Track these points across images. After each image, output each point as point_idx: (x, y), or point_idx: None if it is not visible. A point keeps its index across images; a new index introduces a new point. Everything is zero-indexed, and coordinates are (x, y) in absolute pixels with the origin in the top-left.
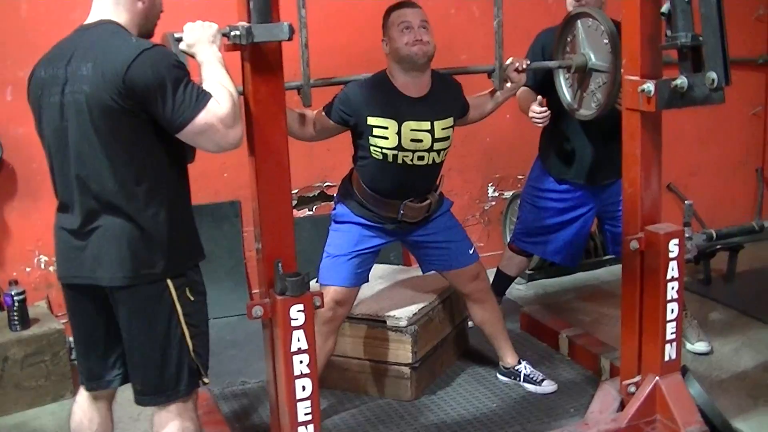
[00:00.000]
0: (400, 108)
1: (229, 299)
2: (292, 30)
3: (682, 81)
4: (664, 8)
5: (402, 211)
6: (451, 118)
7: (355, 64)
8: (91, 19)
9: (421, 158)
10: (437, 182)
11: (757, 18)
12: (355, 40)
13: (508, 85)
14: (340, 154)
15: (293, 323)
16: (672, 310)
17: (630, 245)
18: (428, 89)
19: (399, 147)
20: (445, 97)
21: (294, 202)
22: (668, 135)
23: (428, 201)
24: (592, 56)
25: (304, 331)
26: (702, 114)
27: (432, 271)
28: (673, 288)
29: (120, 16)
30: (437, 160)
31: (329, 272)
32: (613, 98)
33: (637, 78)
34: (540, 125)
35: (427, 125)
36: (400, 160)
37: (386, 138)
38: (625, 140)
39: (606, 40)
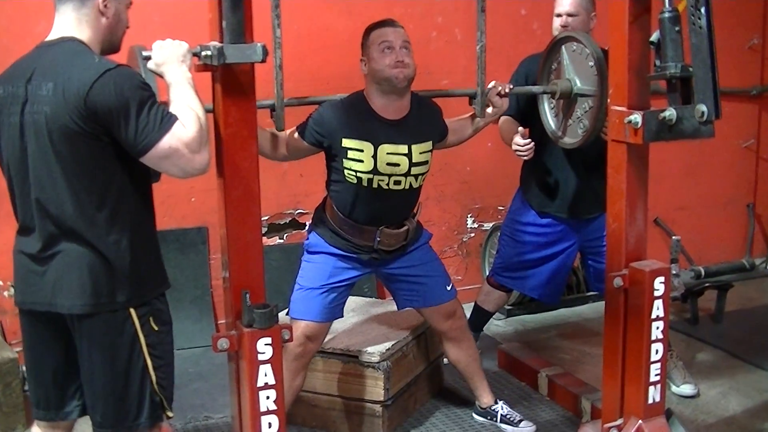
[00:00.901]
0: (376, 130)
1: (194, 329)
2: (265, 51)
3: (670, 113)
4: (653, 37)
5: (378, 239)
6: (430, 143)
7: (330, 86)
8: (53, 35)
9: (397, 183)
10: (415, 209)
11: (750, 47)
12: (330, 62)
13: (490, 110)
14: (313, 180)
15: (260, 357)
16: (656, 350)
17: (613, 282)
18: (407, 112)
19: (374, 171)
20: (423, 121)
21: (264, 230)
22: (655, 167)
23: (406, 227)
24: (578, 81)
25: (272, 366)
26: (691, 146)
27: (406, 308)
28: (658, 327)
29: (83, 32)
30: (415, 185)
31: (301, 306)
32: (601, 123)
33: (623, 108)
34: (524, 158)
35: (404, 149)
36: (375, 185)
37: (361, 161)
38: (610, 173)
39: (591, 64)
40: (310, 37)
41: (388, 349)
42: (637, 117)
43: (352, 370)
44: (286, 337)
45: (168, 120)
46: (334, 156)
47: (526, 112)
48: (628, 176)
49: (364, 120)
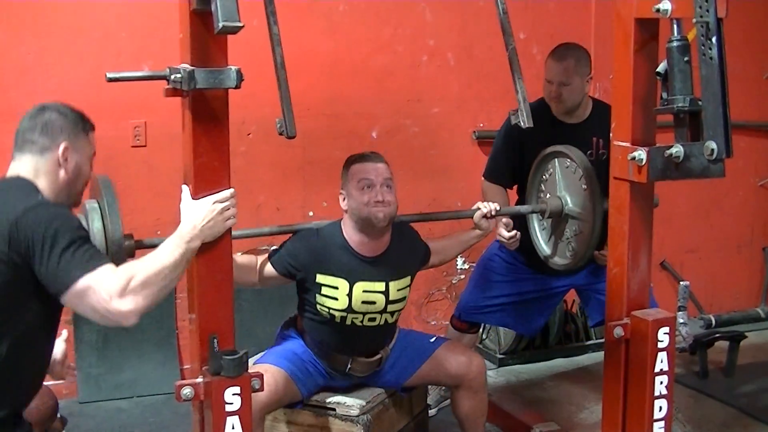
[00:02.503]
0: (352, 267)
1: (156, 375)
2: (240, 76)
3: (677, 150)
4: (660, 67)
5: (350, 365)
6: (409, 278)
7: (313, 113)
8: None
9: (372, 320)
10: (392, 340)
11: (767, 78)
12: (314, 87)
13: (475, 232)
14: (290, 214)
15: (228, 408)
16: (660, 407)
17: (614, 332)
18: (386, 247)
19: (349, 309)
20: (404, 255)
21: None
22: (662, 207)
23: (379, 356)
24: (569, 200)
25: (240, 418)
26: (702, 184)
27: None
28: (662, 383)
29: (39, 181)
30: (390, 321)
31: (268, 359)
32: (591, 250)
33: (627, 144)
34: (512, 248)
35: (381, 286)
36: (348, 322)
37: (335, 299)
38: (612, 213)
39: (584, 185)
40: (291, 60)
41: (369, 401)
42: (641, 153)
43: (327, 424)
44: (257, 387)
45: (97, 261)
46: (307, 290)
47: (515, 170)
48: (632, 217)
49: (340, 256)
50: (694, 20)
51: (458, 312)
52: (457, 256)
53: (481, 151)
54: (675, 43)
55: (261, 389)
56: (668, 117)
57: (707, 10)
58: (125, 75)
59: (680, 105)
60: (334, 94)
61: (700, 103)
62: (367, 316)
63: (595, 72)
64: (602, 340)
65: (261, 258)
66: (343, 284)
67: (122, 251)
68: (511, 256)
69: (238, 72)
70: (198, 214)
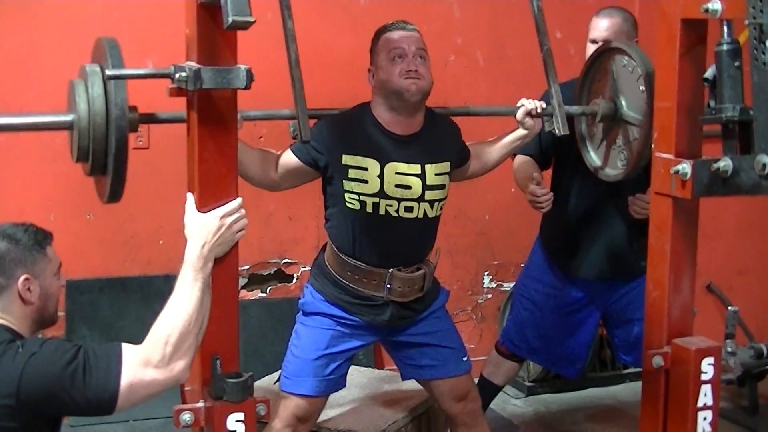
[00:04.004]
0: (383, 146)
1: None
2: (250, 76)
3: (725, 163)
4: (708, 73)
5: (389, 285)
6: (448, 163)
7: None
8: None
9: (409, 210)
10: (433, 253)
11: None
12: (331, 83)
13: (519, 132)
14: (304, 224)
15: None
16: None
17: (652, 362)
18: (419, 128)
19: (381, 193)
20: (439, 138)
21: (243, 281)
22: (708, 224)
23: (422, 271)
24: (624, 103)
25: None
26: (751, 200)
27: (411, 379)
28: (705, 418)
29: (9, 317)
30: (430, 214)
31: (292, 377)
32: (646, 159)
33: (670, 156)
34: (543, 210)
35: (416, 168)
36: (382, 211)
37: (365, 182)
38: (652, 231)
39: (642, 88)
40: (308, 56)
41: (384, 430)
42: (685, 167)
43: None
44: (263, 413)
45: (113, 356)
46: (332, 178)
47: (549, 151)
48: (674, 236)
49: (368, 134)
50: (746, 22)
51: (502, 339)
52: (500, 161)
53: (512, 160)
54: (725, 47)
55: (267, 416)
56: (715, 127)
57: (761, 11)
58: (125, 72)
59: (729, 114)
60: (353, 94)
61: (751, 112)
62: (403, 204)
63: None
64: (640, 370)
65: (280, 152)
66: (372, 164)
67: (125, 124)
68: (541, 269)
69: (248, 71)
70: (205, 231)
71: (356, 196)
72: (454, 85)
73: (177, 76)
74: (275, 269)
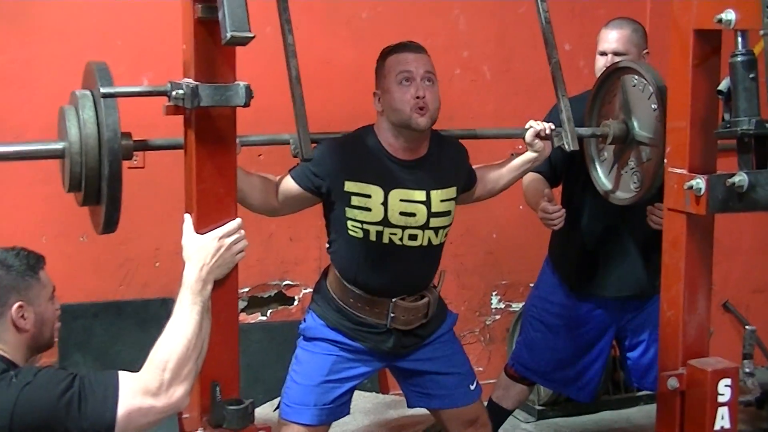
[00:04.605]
0: (387, 172)
1: None
2: (249, 93)
3: (741, 178)
4: (722, 85)
5: (392, 314)
6: (454, 188)
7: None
8: None
9: (413, 237)
10: (437, 277)
11: None
12: (333, 102)
13: (528, 155)
14: (305, 245)
15: None
16: None
17: (667, 383)
18: (425, 152)
19: (385, 222)
20: (446, 163)
21: (243, 304)
22: (724, 240)
23: (426, 299)
24: (636, 124)
25: None
26: None
27: (418, 407)
28: None
29: (3, 346)
30: (435, 242)
31: (293, 405)
32: (660, 180)
33: (683, 171)
34: (555, 227)
35: (421, 195)
36: (386, 239)
37: (368, 209)
38: (666, 249)
39: (654, 106)
40: (309, 72)
41: None
42: (699, 182)
43: None
44: None
45: (110, 384)
46: (334, 205)
47: (559, 168)
48: (688, 254)
49: (372, 159)
50: (761, 32)
51: (511, 361)
52: (508, 186)
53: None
54: (739, 58)
55: None
56: (730, 141)
57: None
58: (121, 90)
59: (745, 127)
60: (356, 110)
61: (767, 125)
62: (407, 232)
63: None
64: (655, 392)
65: (280, 177)
66: (376, 191)
67: (118, 151)
68: (551, 289)
69: (247, 88)
70: (203, 253)
71: (359, 224)
72: (460, 100)
73: (174, 93)
74: (276, 291)
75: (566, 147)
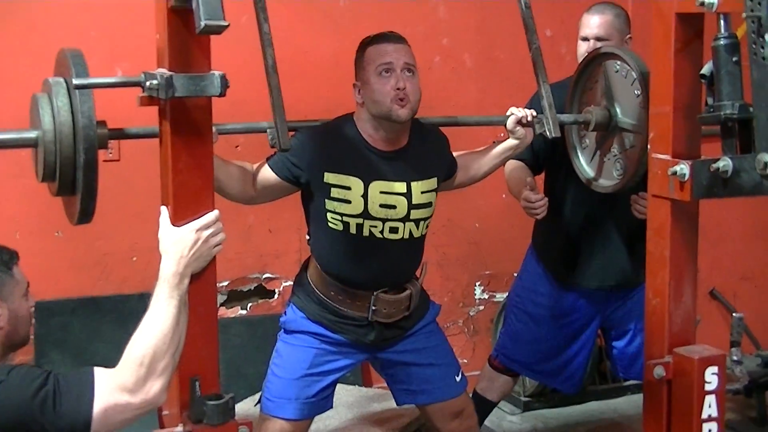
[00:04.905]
0: (367, 164)
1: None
2: (225, 83)
3: (725, 163)
4: (705, 69)
5: (374, 307)
6: (435, 179)
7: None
8: None
9: (394, 230)
10: (419, 269)
11: None
12: (311, 93)
13: (509, 142)
14: (285, 237)
15: None
16: None
17: (653, 372)
18: (405, 142)
19: (365, 214)
20: (426, 153)
21: (222, 299)
22: (711, 228)
23: (408, 292)
24: (618, 111)
25: None
26: (755, 202)
27: (406, 404)
28: (710, 430)
29: None
30: (416, 234)
31: (274, 399)
32: (644, 167)
33: (667, 157)
34: (538, 217)
35: (401, 187)
36: (366, 232)
37: (348, 202)
38: (650, 236)
39: (638, 91)
40: (286, 61)
41: None
42: (683, 168)
43: None
44: None
45: (85, 381)
46: (314, 196)
47: (541, 155)
48: (673, 241)
49: (352, 150)
50: (744, 15)
51: (495, 353)
52: (489, 173)
53: (503, 166)
54: (722, 42)
55: None
56: (714, 126)
57: (759, 3)
58: (93, 81)
59: (728, 112)
60: (335, 100)
61: (751, 109)
62: (388, 225)
63: None
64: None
65: (257, 165)
66: (356, 184)
67: (94, 139)
68: (536, 278)
69: (223, 78)
70: (180, 246)
71: (339, 217)
72: (440, 88)
73: (148, 84)
74: (256, 285)
75: (548, 134)
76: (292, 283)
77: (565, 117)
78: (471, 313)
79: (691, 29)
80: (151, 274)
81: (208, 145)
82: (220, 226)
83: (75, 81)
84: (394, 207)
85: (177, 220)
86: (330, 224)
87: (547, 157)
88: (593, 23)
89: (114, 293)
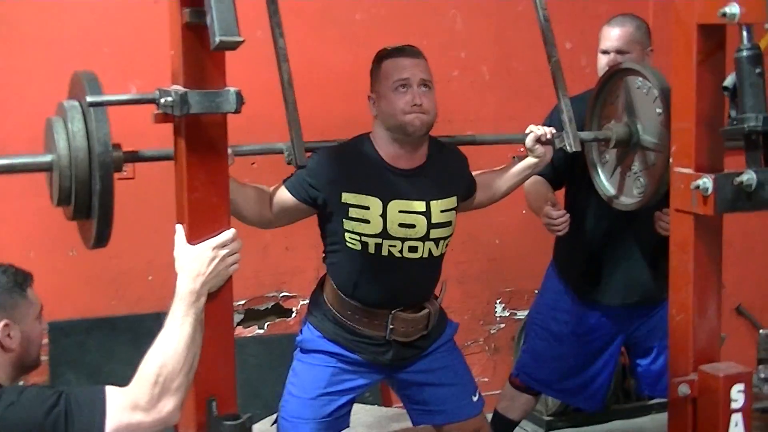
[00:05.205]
0: (385, 183)
1: None
2: (240, 99)
3: (749, 177)
4: (728, 81)
5: (391, 326)
6: (454, 198)
7: (326, 137)
8: None
9: (413, 249)
10: (438, 288)
11: None
12: (326, 106)
13: (529, 160)
14: (302, 254)
15: None
16: None
17: (678, 390)
18: (424, 160)
19: (384, 234)
20: (445, 171)
21: (239, 318)
22: (737, 242)
23: (426, 311)
24: (639, 127)
25: None
26: None
27: (422, 425)
28: None
29: None
30: (435, 253)
31: (291, 419)
32: (665, 187)
33: (689, 171)
34: (559, 233)
35: (421, 206)
36: (384, 251)
37: (367, 221)
38: (674, 251)
39: (659, 109)
40: (302, 76)
41: None
42: (706, 181)
43: None
44: None
45: (97, 400)
46: (331, 216)
47: (561, 170)
48: (697, 256)
49: (370, 169)
50: (766, 26)
51: (516, 371)
52: (509, 192)
53: None
54: (744, 53)
55: None
56: (738, 139)
57: None
58: (107, 99)
59: (752, 124)
60: (351, 115)
61: None
62: (407, 244)
63: None
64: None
65: (274, 187)
66: (375, 203)
67: (110, 165)
68: (557, 296)
69: (238, 94)
70: (197, 264)
71: (357, 237)
72: (458, 102)
73: (162, 101)
74: (273, 303)
75: (568, 148)
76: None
77: (585, 134)
78: (492, 331)
79: (713, 41)
80: (167, 293)
81: (223, 162)
82: (238, 246)
83: (89, 99)
84: (413, 226)
85: (193, 238)
86: (348, 244)
87: (567, 171)
88: (613, 36)
89: (129, 313)
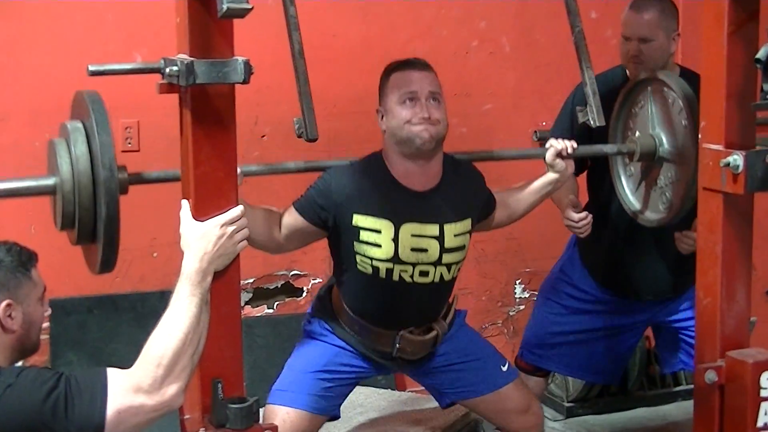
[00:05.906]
0: (398, 204)
1: (151, 426)
2: (249, 69)
3: None
4: (761, 53)
5: (398, 345)
6: (469, 221)
7: (337, 110)
8: None
9: (424, 274)
10: (448, 307)
11: None
12: (338, 79)
13: (549, 176)
14: None
15: None
16: None
17: (705, 377)
18: (438, 180)
19: (395, 259)
20: (461, 192)
21: (247, 297)
22: (765, 224)
23: (434, 333)
24: (664, 139)
25: None
26: None
27: (452, 405)
28: None
29: None
30: (446, 278)
31: (285, 389)
32: (691, 202)
33: (719, 147)
34: (581, 236)
35: (434, 230)
36: (396, 276)
37: (378, 246)
38: (701, 232)
39: (685, 121)
40: (313, 47)
41: None
42: (737, 159)
43: None
44: None
45: (98, 382)
46: (342, 238)
47: (585, 163)
48: (725, 236)
49: (382, 190)
50: None
51: (521, 351)
52: (529, 210)
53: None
54: None
55: None
56: None
57: None
58: (111, 68)
59: None
60: (365, 88)
61: None
62: (418, 269)
63: (686, 63)
64: (692, 387)
65: (284, 210)
66: (386, 226)
67: (116, 191)
68: (579, 275)
69: (246, 64)
70: (204, 242)
71: (369, 261)
72: (477, 75)
73: (167, 70)
74: (282, 282)
75: (591, 123)
76: (320, 280)
77: (609, 147)
78: (511, 313)
79: (745, 10)
80: (172, 271)
81: (231, 134)
82: (245, 222)
83: (92, 68)
84: (425, 250)
85: (199, 214)
86: (359, 267)
87: (590, 163)
88: (636, 22)
89: (132, 291)
